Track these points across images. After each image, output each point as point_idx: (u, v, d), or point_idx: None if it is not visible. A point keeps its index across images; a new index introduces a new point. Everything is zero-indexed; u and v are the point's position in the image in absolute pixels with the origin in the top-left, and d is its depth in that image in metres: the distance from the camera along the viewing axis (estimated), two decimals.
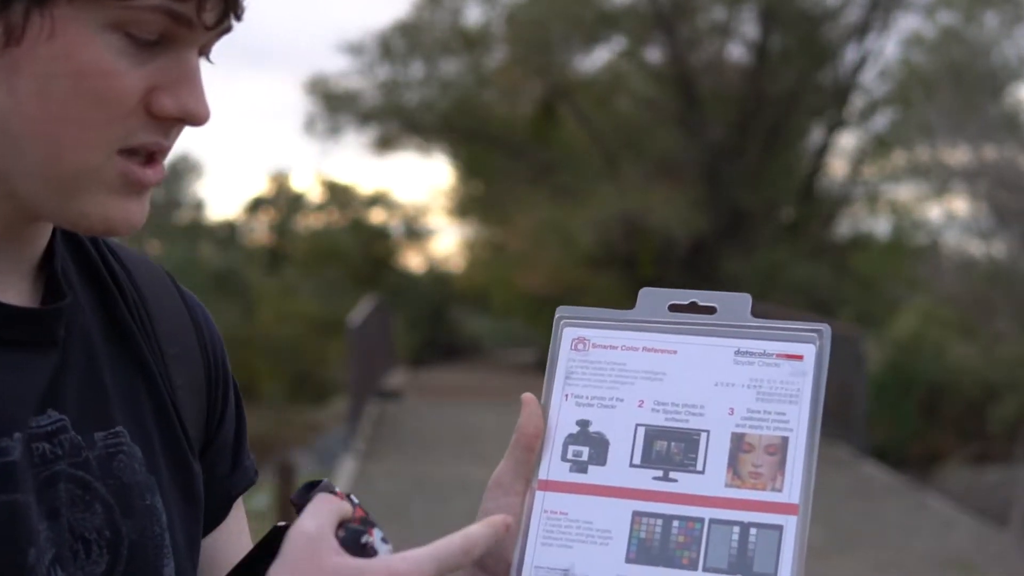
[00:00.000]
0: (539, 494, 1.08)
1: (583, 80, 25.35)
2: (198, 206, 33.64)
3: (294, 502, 1.00)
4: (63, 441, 1.02)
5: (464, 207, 29.48)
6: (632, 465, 1.07)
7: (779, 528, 1.02)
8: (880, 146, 23.41)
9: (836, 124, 24.75)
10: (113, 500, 1.04)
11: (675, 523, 1.04)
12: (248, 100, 55.17)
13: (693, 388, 1.08)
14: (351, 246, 30.64)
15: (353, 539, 0.97)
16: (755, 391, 1.07)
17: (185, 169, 32.81)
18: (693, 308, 1.11)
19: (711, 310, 1.10)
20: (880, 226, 24.96)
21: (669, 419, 1.07)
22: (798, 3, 23.87)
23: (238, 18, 1.01)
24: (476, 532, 1.00)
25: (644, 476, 1.06)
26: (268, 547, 1.02)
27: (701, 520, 1.04)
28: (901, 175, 22.04)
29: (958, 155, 15.42)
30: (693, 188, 23.29)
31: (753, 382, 1.07)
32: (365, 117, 26.71)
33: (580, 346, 1.12)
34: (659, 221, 22.01)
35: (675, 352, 1.09)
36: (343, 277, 27.99)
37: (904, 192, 22.85)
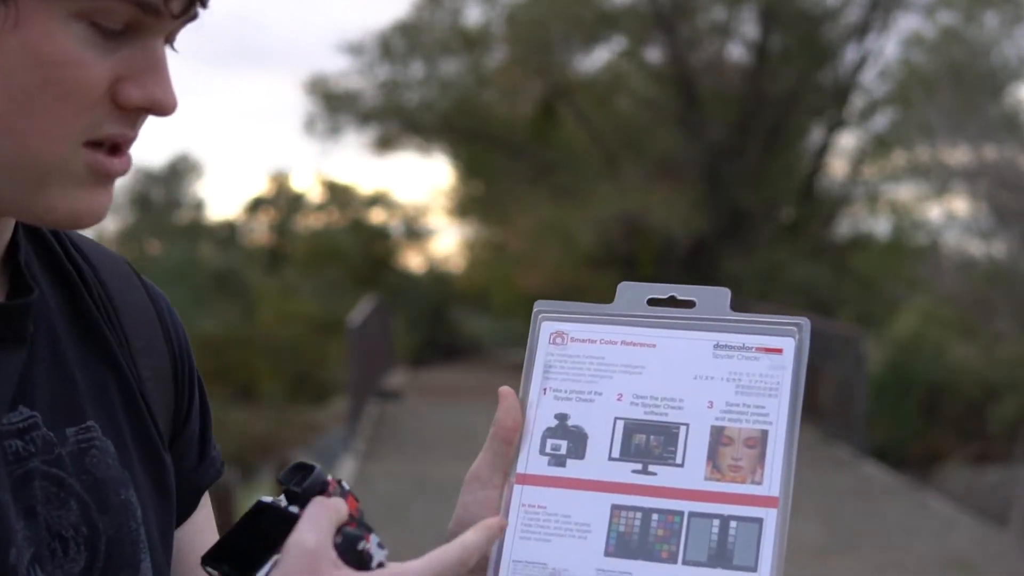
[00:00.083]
0: (517, 488, 1.07)
1: (583, 80, 25.34)
2: (198, 206, 33.63)
3: (280, 480, 0.99)
4: (35, 438, 1.00)
5: (464, 207, 29.48)
6: (611, 459, 1.07)
7: (759, 521, 1.03)
8: (880, 146, 23.40)
9: (836, 124, 24.75)
10: (88, 496, 1.02)
11: (654, 516, 1.04)
12: (248, 100, 55.18)
13: (672, 381, 1.08)
14: (351, 246, 30.63)
15: (350, 546, 0.96)
16: (734, 384, 1.07)
17: (185, 169, 32.80)
18: (672, 302, 1.11)
19: (690, 304, 1.10)
20: (880, 226, 24.97)
21: (648, 412, 1.07)
22: (798, 3, 23.86)
23: (204, 5, 1.00)
24: (472, 541, 1.00)
25: (623, 469, 1.06)
26: (252, 524, 1.00)
27: (680, 513, 1.03)
28: (901, 175, 22.03)
29: (958, 155, 15.42)
30: (693, 188, 23.29)
31: (732, 375, 1.07)
32: (365, 117, 26.70)
33: (559, 340, 1.11)
34: (659, 221, 22.01)
35: (654, 346, 1.09)
36: (343, 277, 27.98)
37: (904, 192, 22.86)
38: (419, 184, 67.29)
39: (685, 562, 1.02)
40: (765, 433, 1.05)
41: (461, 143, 27.14)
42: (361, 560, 0.96)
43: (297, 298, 25.35)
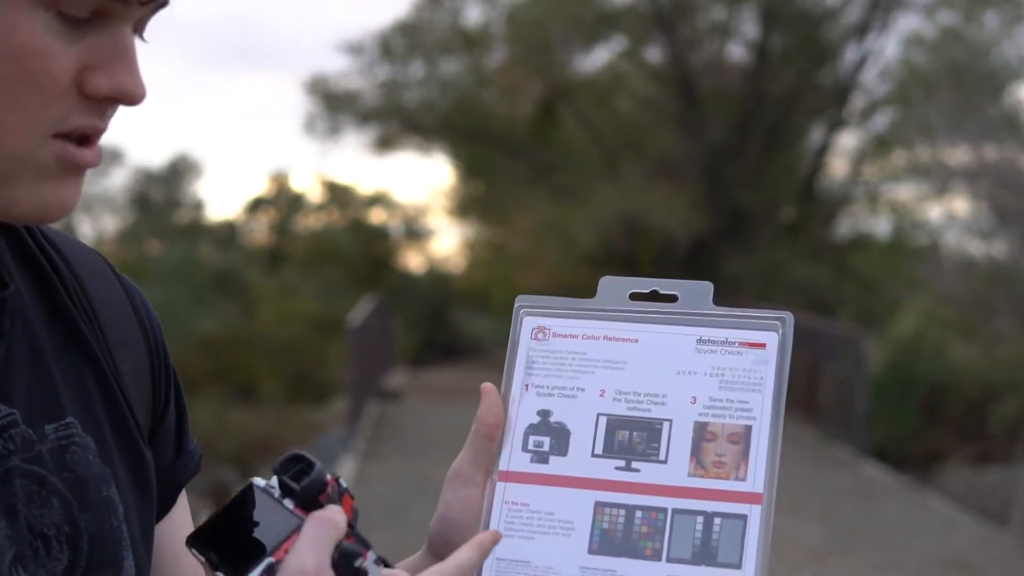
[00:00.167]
0: (500, 485, 1.07)
1: (583, 80, 25.34)
2: (198, 206, 33.60)
3: (275, 471, 0.98)
4: (14, 436, 0.99)
5: (464, 207, 29.48)
6: (594, 455, 1.06)
7: (743, 518, 1.01)
8: (880, 146, 23.40)
9: (836, 124, 24.75)
10: (70, 494, 1.00)
11: (638, 513, 1.03)
12: (248, 100, 55.13)
13: (655, 377, 1.07)
14: (351, 246, 30.61)
15: (347, 562, 0.95)
16: (718, 379, 1.06)
17: (185, 169, 32.79)
18: (654, 296, 1.10)
19: (672, 298, 1.09)
20: (880, 226, 24.97)
21: (631, 408, 1.06)
22: (798, 3, 23.86)
23: None
24: (467, 559, 0.99)
25: (606, 466, 1.05)
26: (243, 508, 0.97)
27: (664, 510, 1.03)
28: (901, 175, 22.03)
29: (958, 155, 15.42)
30: (693, 188, 23.29)
31: (715, 370, 1.06)
32: (365, 117, 26.70)
33: (540, 335, 1.11)
34: (659, 221, 22.02)
35: (636, 341, 1.08)
36: (343, 277, 27.96)
37: (904, 192, 22.85)
38: (419, 184, 67.31)
39: (669, 559, 1.01)
40: (749, 429, 1.04)
41: (461, 143, 27.14)
42: None
43: (297, 298, 25.34)
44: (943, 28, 19.85)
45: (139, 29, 0.99)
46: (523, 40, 24.25)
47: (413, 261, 33.76)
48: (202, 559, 0.97)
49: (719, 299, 1.10)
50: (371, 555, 0.96)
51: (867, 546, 9.67)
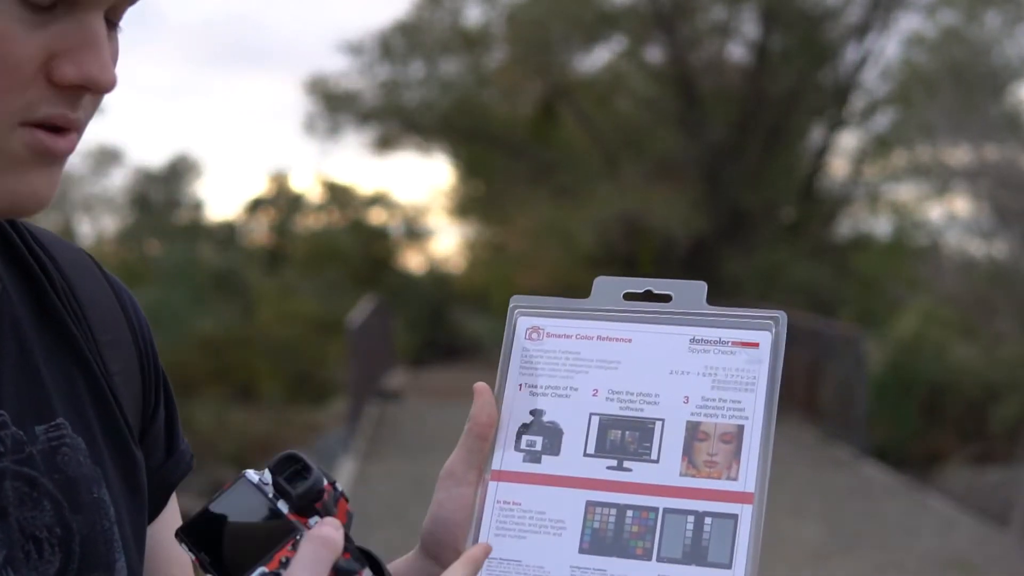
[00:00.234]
0: (492, 484, 1.07)
1: (583, 80, 25.34)
2: (197, 206, 33.58)
3: (271, 469, 0.96)
4: (4, 437, 0.98)
5: (464, 207, 29.48)
6: (586, 455, 1.06)
7: (734, 517, 1.01)
8: (881, 146, 23.40)
9: (836, 124, 24.75)
10: (61, 496, 0.99)
11: (629, 513, 1.03)
12: (248, 100, 55.12)
13: (648, 376, 1.07)
14: (351, 246, 30.62)
15: None
16: (710, 379, 1.06)
17: (185, 169, 32.78)
18: (649, 296, 1.10)
19: (667, 298, 1.09)
20: (881, 226, 24.97)
21: (623, 408, 1.06)
22: (798, 3, 23.85)
23: None
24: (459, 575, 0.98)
25: (598, 466, 1.05)
26: (235, 504, 0.96)
27: (655, 510, 1.03)
28: (902, 175, 22.02)
29: (959, 155, 15.42)
30: (693, 188, 23.29)
31: (708, 370, 1.06)
32: (365, 117, 26.70)
33: (534, 335, 1.11)
34: (659, 221, 22.02)
35: (630, 340, 1.09)
36: (343, 277, 27.96)
37: (905, 192, 22.85)
38: (419, 184, 67.32)
39: (660, 559, 1.01)
40: (741, 428, 1.04)
41: (461, 143, 27.14)
42: None
43: (297, 298, 25.34)
44: (944, 28, 19.85)
45: (114, 16, 0.98)
46: (523, 40, 24.25)
47: (413, 261, 33.78)
48: (192, 556, 0.96)
49: (720, 299, 1.10)
50: (367, 573, 0.95)
51: (867, 546, 9.67)
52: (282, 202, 33.48)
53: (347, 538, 0.96)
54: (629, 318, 1.09)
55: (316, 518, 0.95)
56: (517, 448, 1.08)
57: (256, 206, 33.26)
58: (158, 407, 1.15)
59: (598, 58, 25.64)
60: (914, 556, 9.44)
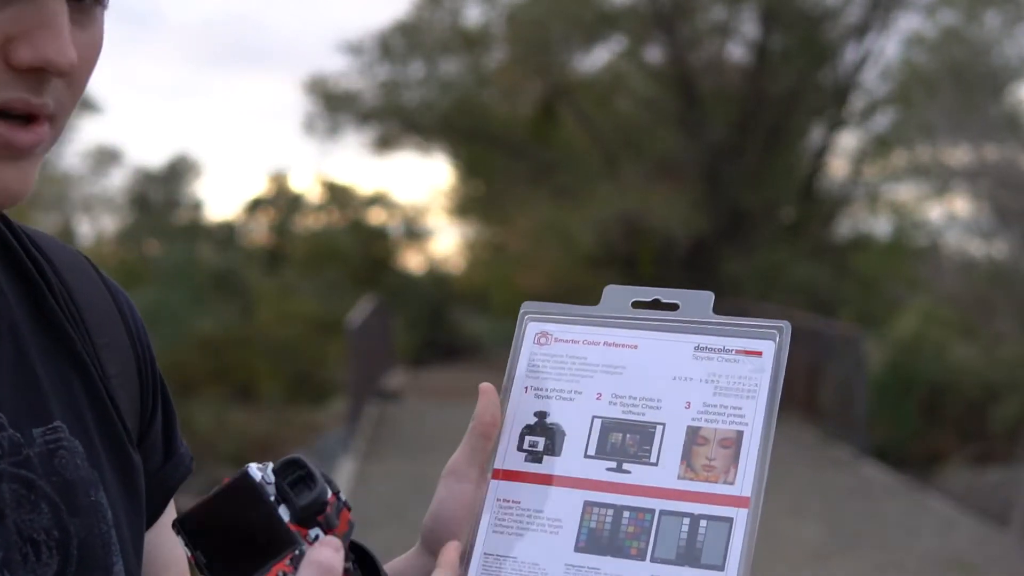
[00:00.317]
0: (493, 483, 1.08)
1: (583, 80, 25.34)
2: (197, 206, 33.58)
3: (275, 472, 0.95)
4: (1, 440, 0.97)
5: (464, 207, 29.48)
6: (587, 456, 1.07)
7: (729, 520, 1.02)
8: (880, 146, 23.41)
9: (836, 124, 24.75)
10: (58, 498, 0.99)
11: (626, 513, 1.04)
12: (248, 100, 55.11)
13: (651, 382, 1.09)
14: (350, 246, 30.62)
15: None
16: (713, 386, 1.07)
17: (184, 169, 32.78)
18: (657, 305, 1.11)
19: (674, 307, 1.11)
20: (881, 226, 24.98)
21: (626, 412, 1.08)
22: (798, 3, 23.86)
23: None
24: None
25: (598, 467, 1.07)
26: (235, 501, 0.94)
27: (652, 511, 1.04)
28: (902, 175, 22.04)
29: (959, 155, 15.44)
30: (693, 188, 23.29)
31: (711, 377, 1.08)
32: (365, 117, 26.71)
33: (543, 340, 1.13)
34: (659, 221, 22.01)
35: (636, 347, 1.10)
36: (343, 277, 27.97)
37: (905, 192, 22.86)
38: (419, 184, 67.35)
39: (653, 559, 1.02)
40: (740, 434, 1.05)
41: (461, 143, 27.15)
42: None
43: (297, 298, 25.34)
44: (944, 28, 19.86)
45: None
46: (523, 40, 24.25)
47: (413, 261, 33.78)
48: (188, 553, 0.95)
49: (719, 299, 1.12)
50: None
51: (867, 546, 9.67)
52: (282, 202, 33.48)
53: (349, 563, 0.96)
54: (636, 325, 1.11)
55: (317, 530, 0.95)
56: (520, 448, 1.09)
57: (256, 206, 33.27)
58: (156, 410, 1.15)
59: (598, 58, 25.66)
60: (914, 556, 9.44)
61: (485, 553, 1.06)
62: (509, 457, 1.09)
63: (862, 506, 11.15)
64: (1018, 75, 17.79)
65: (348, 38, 34.69)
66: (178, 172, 32.67)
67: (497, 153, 26.49)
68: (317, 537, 0.94)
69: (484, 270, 29.70)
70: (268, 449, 16.19)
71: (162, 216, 31.74)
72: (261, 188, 42.58)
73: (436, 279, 31.99)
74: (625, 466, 1.06)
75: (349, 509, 0.97)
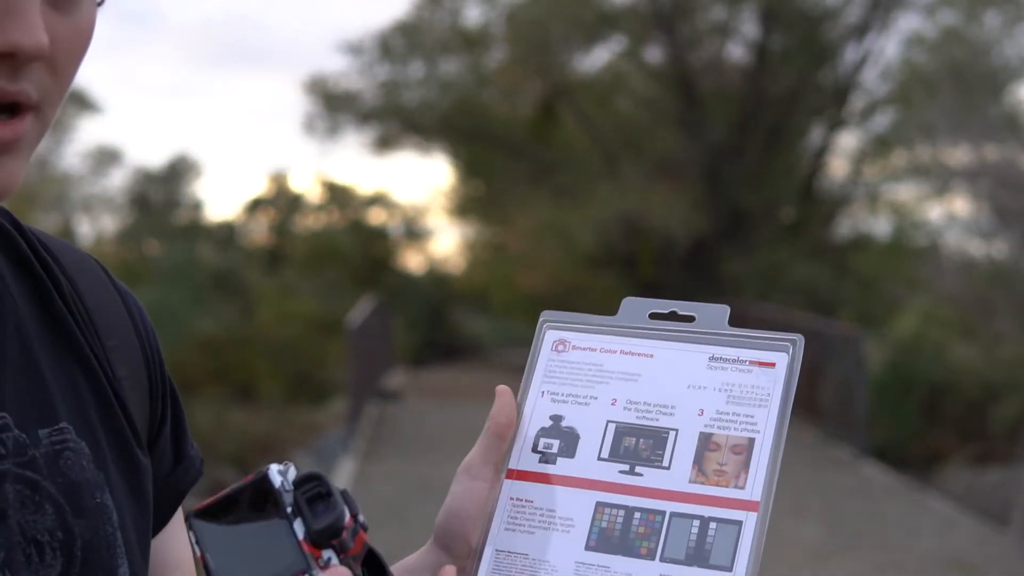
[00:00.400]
0: (507, 482, 1.10)
1: (583, 80, 25.35)
2: (197, 206, 33.59)
3: (295, 484, 0.94)
4: (6, 440, 0.97)
5: (464, 207, 29.48)
6: (600, 459, 1.10)
7: (738, 523, 1.04)
8: (880, 146, 23.41)
9: (836, 124, 24.75)
10: (63, 499, 0.98)
11: (637, 515, 1.07)
12: (248, 100, 55.12)
13: (666, 389, 1.11)
14: (350, 246, 30.63)
15: None
16: (726, 394, 1.10)
17: (184, 169, 32.79)
18: (673, 317, 1.14)
19: (690, 319, 1.14)
20: (880, 226, 24.98)
21: (640, 417, 1.11)
22: (798, 3, 23.86)
23: None
24: None
25: (610, 469, 1.09)
26: (252, 504, 0.92)
27: (663, 513, 1.06)
28: (902, 175, 22.04)
29: (959, 155, 15.44)
30: (693, 188, 23.29)
31: (725, 386, 1.10)
32: (365, 117, 26.71)
33: (561, 347, 1.15)
34: (659, 221, 22.01)
35: (651, 356, 1.13)
36: (342, 277, 27.97)
37: (905, 192, 22.87)
38: (419, 184, 67.35)
39: (663, 559, 1.04)
40: (752, 441, 1.08)
41: (461, 143, 27.14)
42: None
43: (296, 298, 25.35)
44: (943, 28, 19.86)
45: None
46: (523, 40, 24.25)
47: (413, 261, 33.79)
48: (197, 552, 0.94)
49: (719, 299, 1.14)
50: None
51: (867, 546, 9.67)
52: (282, 202, 33.49)
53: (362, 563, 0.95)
54: (652, 335, 1.14)
55: (331, 552, 0.93)
56: (534, 449, 1.11)
57: (256, 206, 33.27)
58: (166, 413, 1.15)
59: (598, 58, 25.67)
60: (914, 556, 9.44)
61: (497, 550, 1.08)
62: (523, 458, 1.11)
63: (862, 506, 11.16)
64: (1018, 75, 17.79)
65: (348, 38, 34.71)
66: (178, 172, 32.68)
67: (497, 153, 26.49)
68: (330, 560, 0.93)
69: (484, 270, 29.71)
70: (268, 449, 16.19)
71: (162, 216, 31.75)
72: (261, 188, 42.60)
73: (436, 279, 31.99)
74: (638, 469, 1.08)
75: (366, 530, 0.96)
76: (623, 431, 1.10)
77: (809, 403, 15.04)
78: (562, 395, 1.13)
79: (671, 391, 1.11)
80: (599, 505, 1.08)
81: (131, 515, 1.05)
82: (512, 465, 1.11)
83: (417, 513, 9.67)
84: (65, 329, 1.06)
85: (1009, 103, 17.46)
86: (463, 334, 29.72)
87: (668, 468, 1.08)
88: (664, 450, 1.08)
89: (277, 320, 23.60)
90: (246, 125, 55.52)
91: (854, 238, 25.11)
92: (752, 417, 1.08)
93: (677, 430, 1.09)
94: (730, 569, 1.03)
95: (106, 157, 30.84)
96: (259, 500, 0.93)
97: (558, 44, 24.16)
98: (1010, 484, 11.94)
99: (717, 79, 24.09)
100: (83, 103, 25.95)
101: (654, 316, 1.14)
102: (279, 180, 33.76)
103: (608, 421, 1.11)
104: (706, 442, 1.08)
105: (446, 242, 45.32)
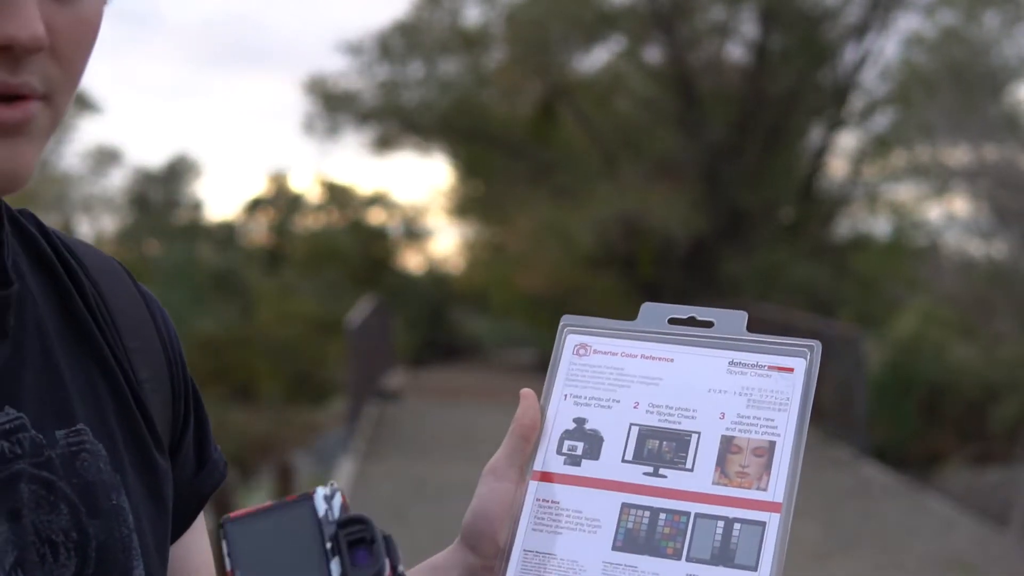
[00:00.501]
0: (533, 484, 1.12)
1: (583, 80, 25.34)
2: (197, 206, 33.61)
3: (339, 525, 0.89)
4: (22, 440, 0.96)
5: (464, 207, 29.48)
6: (624, 461, 1.12)
7: (762, 524, 1.07)
8: (880, 146, 23.41)
9: (836, 124, 24.74)
10: (79, 500, 0.98)
11: (662, 516, 1.09)
12: (248, 100, 55.14)
13: (687, 393, 1.13)
14: (350, 246, 30.64)
15: None
16: (746, 398, 1.12)
17: (184, 169, 32.80)
18: (692, 322, 1.16)
19: (709, 324, 1.16)
20: (880, 226, 24.98)
21: (662, 420, 1.13)
22: (798, 3, 23.85)
23: None
24: None
25: (635, 471, 1.11)
26: (290, 520, 0.88)
27: (687, 514, 1.08)
28: (901, 175, 22.04)
29: (958, 155, 15.43)
30: (693, 188, 23.29)
31: (745, 390, 1.13)
32: (364, 117, 26.70)
33: (582, 351, 1.17)
34: (659, 221, 22.01)
35: (672, 360, 1.15)
36: (342, 277, 27.99)
37: (904, 192, 22.87)
38: (418, 184, 67.37)
39: (689, 559, 1.06)
40: (773, 444, 1.11)
41: (460, 143, 27.14)
42: None
43: (296, 298, 25.36)
44: (943, 28, 19.86)
45: None
46: (522, 40, 24.25)
47: (412, 261, 33.81)
48: (227, 563, 0.90)
49: (719, 299, 1.14)
50: None
51: (867, 546, 9.67)
52: (281, 202, 33.51)
53: None
54: (672, 340, 1.16)
55: None
56: (559, 452, 1.13)
57: (255, 206, 33.29)
58: (188, 416, 1.15)
59: (597, 58, 25.66)
60: (914, 556, 9.45)
61: (525, 550, 1.09)
62: (549, 460, 1.13)
63: (862, 506, 11.16)
64: (1018, 75, 17.80)
65: (348, 38, 34.70)
66: (178, 172, 32.70)
67: (496, 153, 26.48)
68: None
69: (484, 270, 29.70)
70: (268, 449, 16.19)
71: (162, 216, 31.76)
72: (261, 188, 42.62)
73: (436, 279, 32.02)
74: (662, 471, 1.10)
75: (397, 560, 0.93)
76: (646, 434, 1.12)
77: None
78: (585, 398, 1.15)
79: (692, 395, 1.13)
80: (625, 506, 1.09)
81: (148, 518, 1.05)
82: (537, 467, 1.13)
83: (417, 513, 9.67)
84: (85, 331, 1.05)
85: (1009, 103, 17.46)
86: (463, 334, 29.75)
87: (691, 470, 1.10)
88: (687, 452, 1.10)
89: (277, 320, 23.61)
90: (246, 125, 55.56)
91: (853, 238, 25.12)
92: (772, 421, 1.11)
93: (699, 433, 1.11)
94: (755, 569, 1.05)
95: (106, 157, 30.85)
96: (299, 525, 0.89)
97: (557, 44, 24.16)
98: (1010, 484, 11.95)
99: (716, 79, 24.09)
100: (83, 103, 25.94)
101: (673, 321, 1.17)
102: (279, 180, 33.79)
103: (631, 424, 1.13)
104: (728, 445, 1.10)
105: (446, 242, 45.37)
